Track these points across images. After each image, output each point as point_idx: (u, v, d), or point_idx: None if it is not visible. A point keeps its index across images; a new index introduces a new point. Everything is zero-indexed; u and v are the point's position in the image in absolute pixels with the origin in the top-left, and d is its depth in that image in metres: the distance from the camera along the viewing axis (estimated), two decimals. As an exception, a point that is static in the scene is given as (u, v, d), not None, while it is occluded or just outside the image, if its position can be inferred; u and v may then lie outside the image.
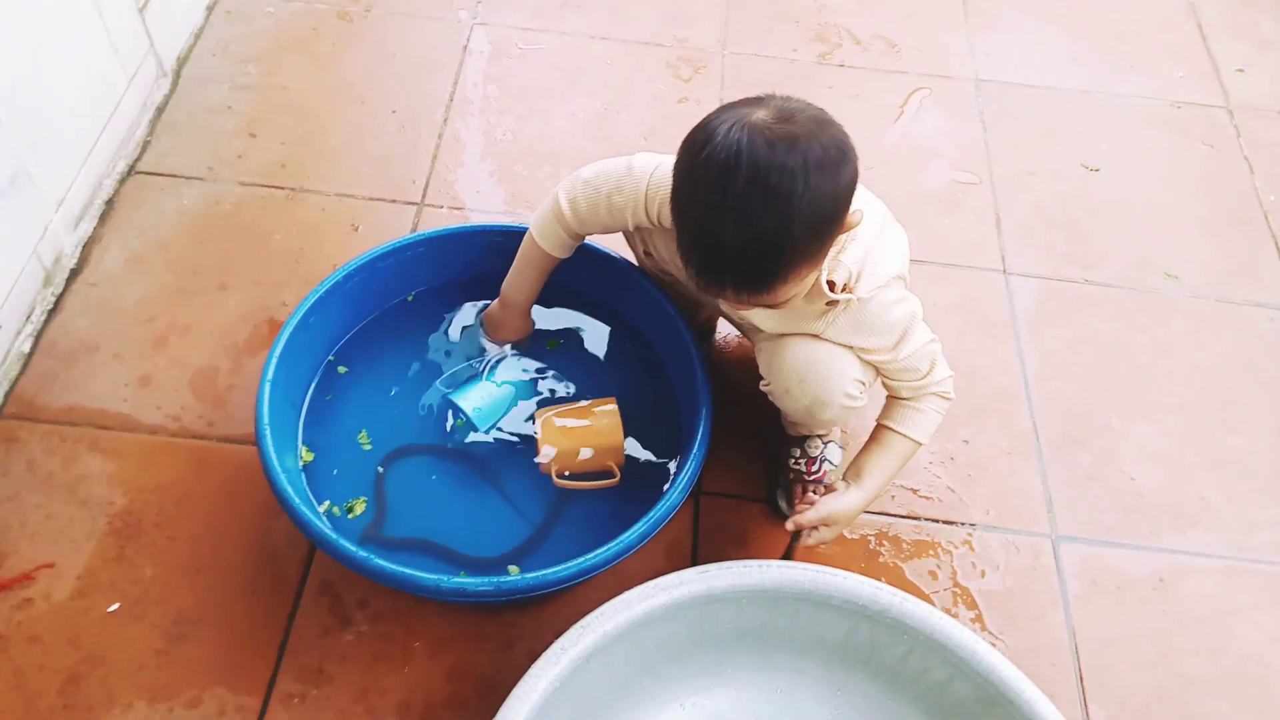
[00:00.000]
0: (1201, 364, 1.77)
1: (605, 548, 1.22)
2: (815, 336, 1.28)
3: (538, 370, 1.57)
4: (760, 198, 1.02)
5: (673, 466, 1.47)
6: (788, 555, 1.37)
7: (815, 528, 1.32)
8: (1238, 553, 1.55)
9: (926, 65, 2.23)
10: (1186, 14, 2.43)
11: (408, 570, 1.18)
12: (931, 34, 2.30)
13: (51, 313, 1.62)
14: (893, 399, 1.36)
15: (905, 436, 1.34)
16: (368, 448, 1.45)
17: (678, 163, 1.11)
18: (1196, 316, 1.84)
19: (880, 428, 1.36)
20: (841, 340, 1.27)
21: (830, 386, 1.29)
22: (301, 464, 1.40)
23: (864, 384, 1.32)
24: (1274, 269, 1.93)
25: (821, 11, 2.32)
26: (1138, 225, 1.98)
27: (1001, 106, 2.16)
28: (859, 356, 1.29)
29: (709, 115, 1.09)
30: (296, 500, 1.22)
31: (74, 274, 1.67)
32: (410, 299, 1.59)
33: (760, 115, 1.05)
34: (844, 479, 1.36)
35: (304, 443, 1.42)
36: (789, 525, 1.31)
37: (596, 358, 1.60)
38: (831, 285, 1.20)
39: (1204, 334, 1.82)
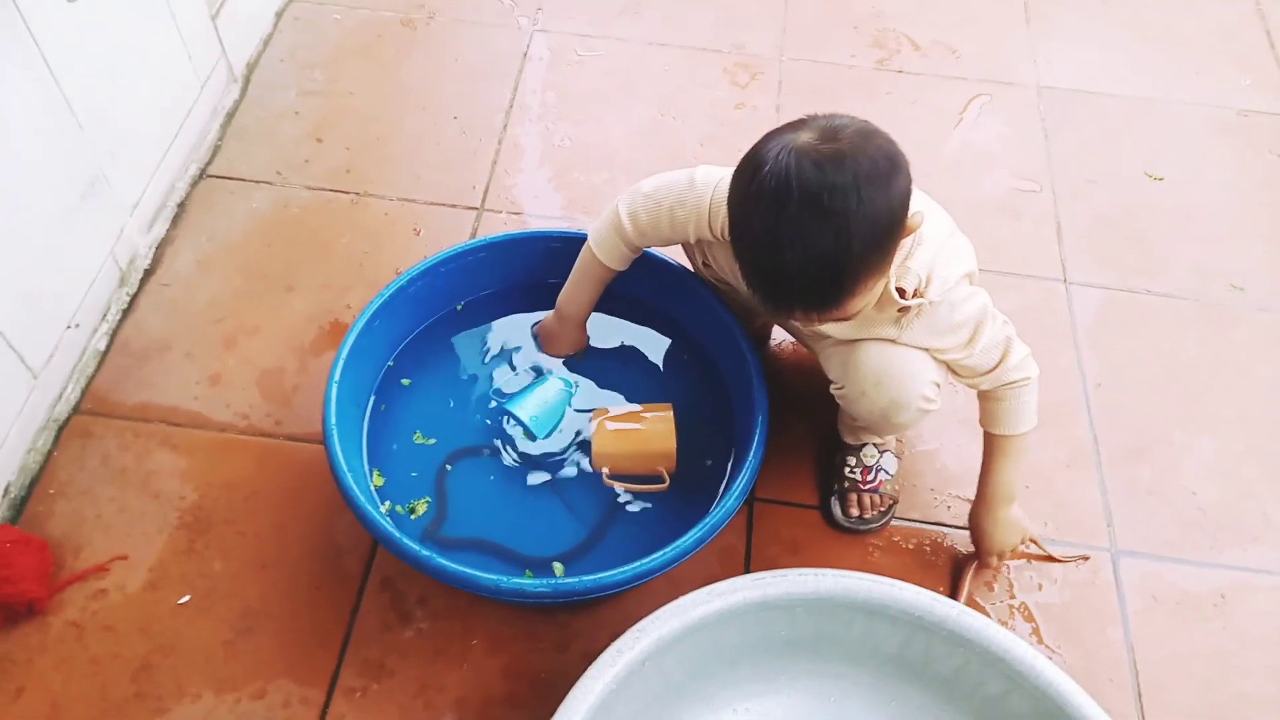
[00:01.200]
0: (1266, 378, 1.74)
1: (661, 553, 1.23)
2: (890, 340, 1.29)
3: (594, 376, 1.58)
4: (816, 220, 1.03)
5: (728, 472, 1.48)
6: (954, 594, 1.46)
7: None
8: (1302, 571, 1.52)
9: (987, 71, 2.21)
10: (1254, 20, 2.38)
11: (468, 570, 1.20)
12: (992, 39, 2.28)
13: (126, 312, 1.67)
14: (982, 398, 1.38)
15: (1007, 436, 1.36)
16: (431, 443, 1.49)
17: (732, 194, 1.13)
18: (1261, 329, 1.80)
19: (985, 434, 1.40)
20: (917, 343, 1.28)
21: (907, 388, 1.30)
22: (374, 486, 1.43)
23: (939, 385, 1.32)
24: (1344, 281, 1.89)
25: (880, 17, 2.31)
26: (1202, 235, 1.94)
27: (1063, 113, 2.13)
28: (934, 357, 1.30)
29: (756, 144, 1.10)
30: (362, 499, 1.25)
31: (148, 275, 1.73)
32: (460, 308, 1.61)
33: (805, 137, 1.05)
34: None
35: (373, 466, 1.45)
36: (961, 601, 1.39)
37: (652, 363, 1.61)
38: (901, 292, 1.21)
39: (1269, 347, 1.78)
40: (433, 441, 1.49)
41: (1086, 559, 1.51)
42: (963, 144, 2.06)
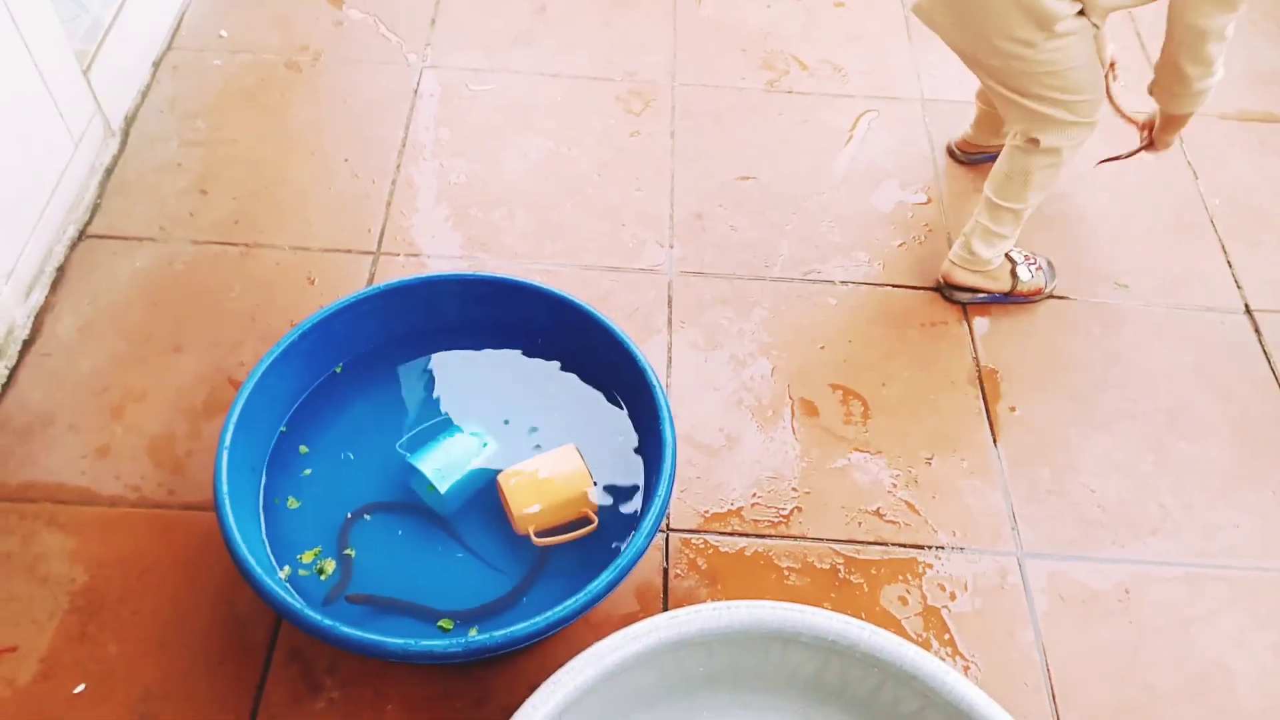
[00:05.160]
0: (1154, 372, 1.80)
1: (571, 600, 1.22)
2: None
3: (501, 422, 1.56)
4: None
5: (641, 506, 1.47)
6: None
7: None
8: (1197, 559, 1.57)
9: (873, 88, 2.26)
10: (1125, 21, 2.47)
11: (373, 636, 1.17)
12: (877, 56, 2.33)
13: (5, 386, 1.60)
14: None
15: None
16: (331, 501, 1.45)
17: None
18: (1146, 324, 1.87)
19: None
20: None
21: None
22: (306, 560, 1.39)
23: None
24: (1221, 273, 1.96)
25: (768, 38, 2.34)
26: (1087, 236, 2.01)
27: (948, 125, 2.18)
28: None
29: None
30: (258, 569, 1.21)
31: (27, 345, 1.66)
32: (339, 370, 1.56)
33: None
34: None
35: (270, 529, 1.40)
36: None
37: (556, 401, 1.59)
38: None
39: (1155, 342, 1.85)
40: (333, 499, 1.45)
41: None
42: (853, 160, 2.10)
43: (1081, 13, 1.50)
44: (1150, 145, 1.82)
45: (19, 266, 1.67)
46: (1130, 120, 1.82)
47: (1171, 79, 1.55)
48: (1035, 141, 1.64)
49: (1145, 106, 1.71)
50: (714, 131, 2.11)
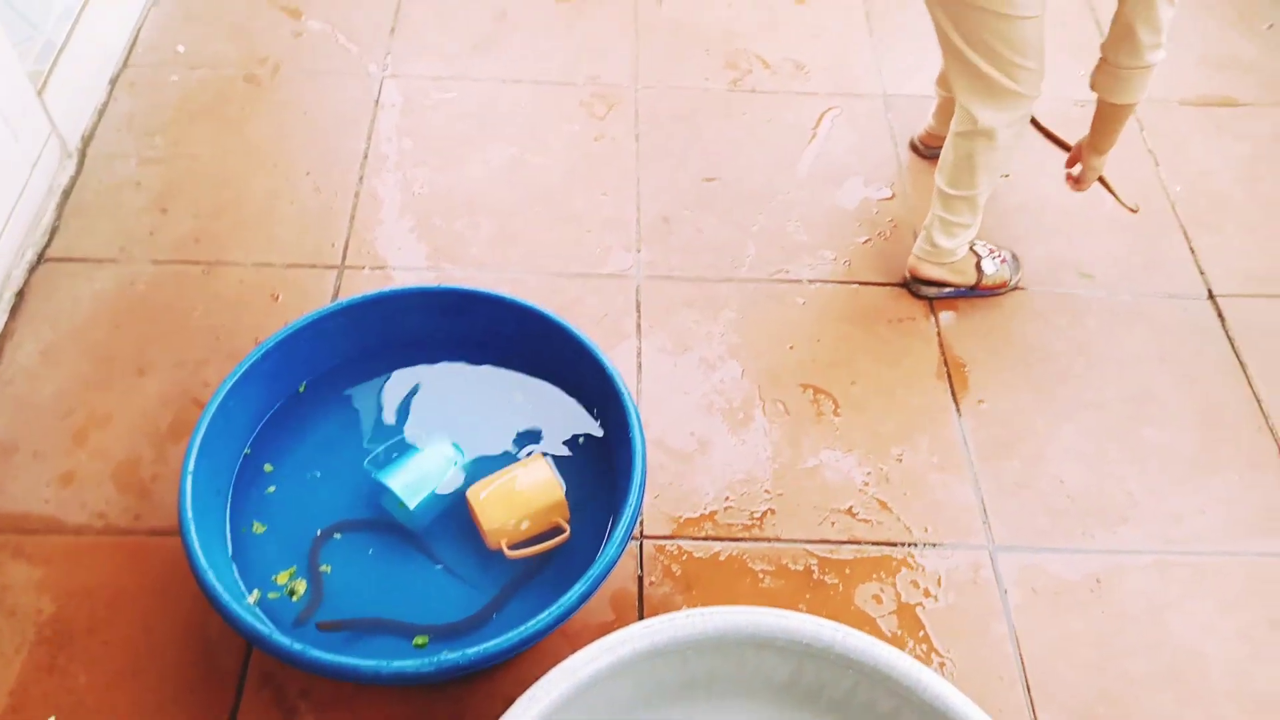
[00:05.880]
0: (1119, 360, 1.82)
1: (544, 614, 1.22)
2: None
3: (471, 433, 1.55)
4: None
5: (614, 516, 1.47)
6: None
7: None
8: (1165, 545, 1.58)
9: (836, 85, 2.26)
10: (1085, 11, 2.49)
11: (343, 660, 1.16)
12: (838, 53, 2.33)
13: (-35, 416, 1.58)
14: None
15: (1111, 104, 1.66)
16: (300, 523, 1.44)
17: None
18: (1110, 314, 1.88)
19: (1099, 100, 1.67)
20: None
21: None
22: (281, 582, 1.38)
23: None
24: (1183, 260, 1.98)
25: (730, 37, 2.34)
26: (1050, 226, 2.02)
27: (910, 119, 2.19)
28: None
29: None
30: (225, 597, 1.20)
31: (-13, 372, 1.64)
32: (302, 390, 1.55)
33: None
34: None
35: (237, 552, 1.39)
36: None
37: (525, 411, 1.59)
38: None
39: (1119, 330, 1.86)
40: (302, 518, 1.44)
41: (1136, 210, 1.83)
42: (817, 157, 2.10)
43: None
44: (1077, 180, 1.76)
45: (-24, 293, 1.65)
46: (1052, 137, 1.96)
47: (1121, 49, 1.54)
48: (974, 120, 1.64)
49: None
50: (678, 133, 2.11)
